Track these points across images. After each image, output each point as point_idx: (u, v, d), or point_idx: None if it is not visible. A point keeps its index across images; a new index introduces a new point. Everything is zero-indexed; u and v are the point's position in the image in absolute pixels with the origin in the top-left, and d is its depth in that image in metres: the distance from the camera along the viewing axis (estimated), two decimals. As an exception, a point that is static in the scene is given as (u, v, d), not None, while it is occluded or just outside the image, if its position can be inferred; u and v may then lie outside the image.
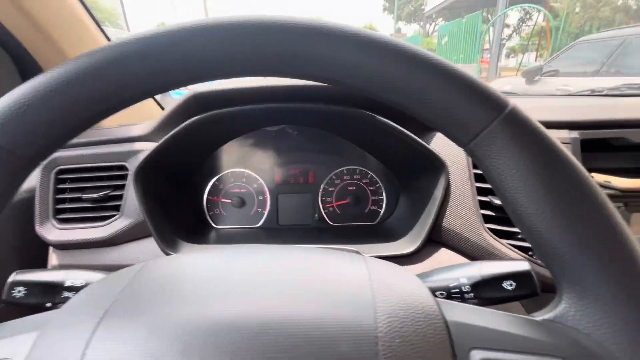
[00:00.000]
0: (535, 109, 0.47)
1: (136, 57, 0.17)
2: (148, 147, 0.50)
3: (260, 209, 0.63)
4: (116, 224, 0.51)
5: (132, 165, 0.50)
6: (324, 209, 0.63)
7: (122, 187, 0.51)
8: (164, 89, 0.19)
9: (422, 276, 0.30)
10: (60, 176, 0.52)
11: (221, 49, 0.18)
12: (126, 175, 0.51)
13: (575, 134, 0.42)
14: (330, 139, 0.61)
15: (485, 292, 0.27)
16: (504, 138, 0.18)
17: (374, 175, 0.62)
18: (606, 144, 0.44)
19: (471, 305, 0.20)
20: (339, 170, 0.62)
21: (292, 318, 0.16)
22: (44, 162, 0.51)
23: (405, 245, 0.49)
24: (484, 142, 0.18)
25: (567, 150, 0.19)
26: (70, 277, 0.30)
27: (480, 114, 0.18)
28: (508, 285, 0.27)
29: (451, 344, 0.17)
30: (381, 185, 0.62)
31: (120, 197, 0.51)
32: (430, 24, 26.47)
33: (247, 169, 0.63)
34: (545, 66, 3.14)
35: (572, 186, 0.18)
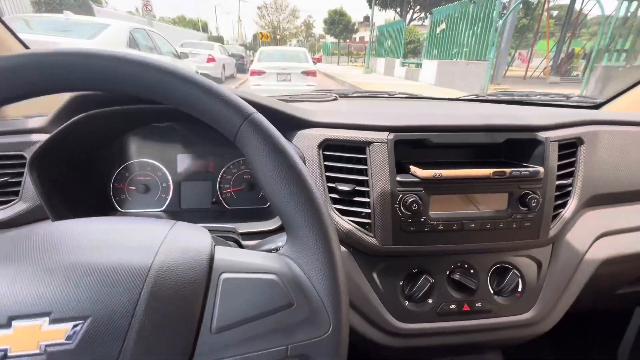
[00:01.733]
0: (368, 114, 0.66)
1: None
2: (43, 138, 0.61)
3: (164, 195, 0.77)
4: (15, 207, 0.62)
5: (29, 154, 0.62)
6: (221, 195, 0.78)
7: (21, 174, 0.63)
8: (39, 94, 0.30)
9: (266, 241, 0.47)
10: None
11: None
12: (24, 163, 0.62)
13: (391, 135, 0.61)
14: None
15: None
16: (250, 137, 0.32)
17: None
18: (421, 143, 0.64)
19: (239, 249, 0.36)
20: (235, 160, 0.78)
21: (92, 257, 0.28)
22: None
23: (275, 222, 0.66)
24: (241, 139, 0.32)
25: (290, 148, 0.33)
26: None
27: (233, 118, 0.32)
28: None
29: (209, 271, 0.30)
30: None
31: (19, 184, 0.63)
32: (408, 11, 27.43)
33: (151, 159, 0.76)
34: None
35: (290, 175, 0.32)
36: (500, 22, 6.97)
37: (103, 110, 0.58)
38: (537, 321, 0.68)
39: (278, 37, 45.38)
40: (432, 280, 0.63)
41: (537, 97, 1.09)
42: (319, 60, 30.42)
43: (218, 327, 0.29)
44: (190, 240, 0.32)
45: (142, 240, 0.31)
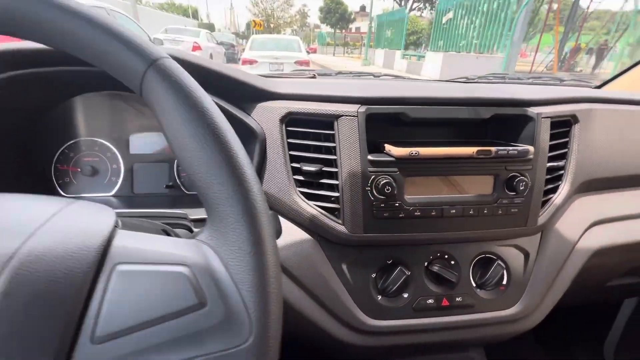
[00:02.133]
0: (340, 85, 0.60)
1: None
2: None
3: (114, 178, 0.70)
4: None
5: None
6: (179, 178, 0.72)
7: None
8: None
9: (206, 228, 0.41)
10: None
11: None
12: None
13: (362, 108, 0.56)
14: None
15: None
16: (157, 87, 0.26)
17: None
18: (397, 120, 0.58)
19: (148, 234, 0.29)
20: None
21: None
22: None
23: None
24: (147, 92, 0.26)
25: (209, 102, 0.27)
26: None
27: (135, 64, 0.25)
28: None
29: (99, 260, 0.23)
30: None
31: None
32: (407, 0, 27.29)
33: (99, 138, 0.70)
34: None
35: (207, 134, 0.26)
36: (519, 11, 6.52)
37: (22, 73, 0.51)
38: (522, 317, 0.64)
39: (272, 25, 44.83)
40: (407, 273, 0.58)
41: (530, 79, 1.04)
42: (314, 50, 30.16)
43: (102, 335, 0.22)
44: (83, 222, 0.25)
45: (15, 222, 0.24)
